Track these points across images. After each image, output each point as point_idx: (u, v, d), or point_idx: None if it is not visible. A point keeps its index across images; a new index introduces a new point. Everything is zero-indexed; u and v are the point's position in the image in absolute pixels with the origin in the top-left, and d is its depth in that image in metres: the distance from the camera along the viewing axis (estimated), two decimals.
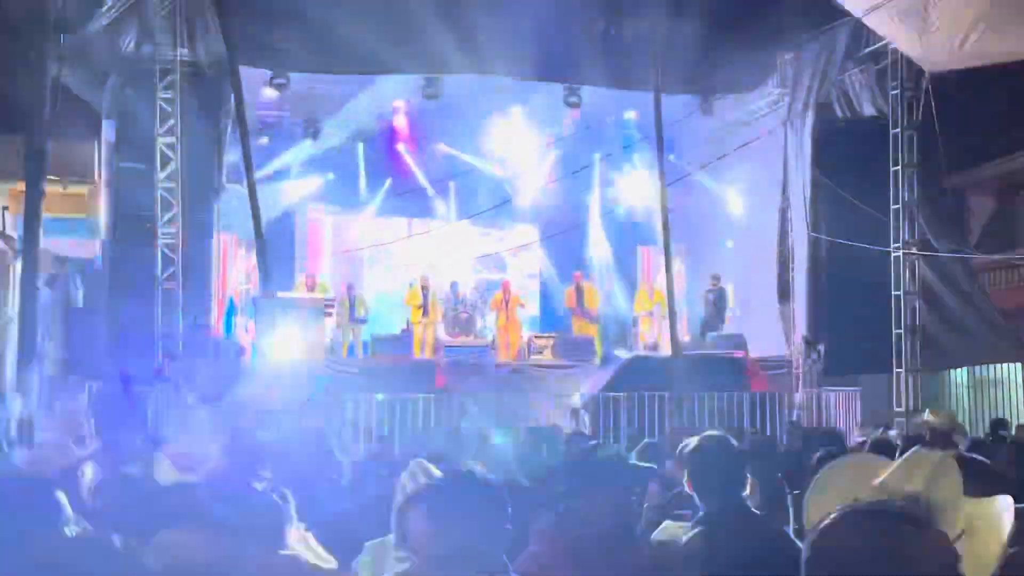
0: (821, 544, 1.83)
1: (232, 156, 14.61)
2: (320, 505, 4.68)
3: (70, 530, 2.99)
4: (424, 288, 18.22)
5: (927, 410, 11.56)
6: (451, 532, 2.73)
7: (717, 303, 18.50)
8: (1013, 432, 11.28)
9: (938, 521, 1.94)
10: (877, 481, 2.23)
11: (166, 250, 14.08)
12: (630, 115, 18.82)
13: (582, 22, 14.64)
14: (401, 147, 19.87)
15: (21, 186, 11.63)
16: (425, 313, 18.00)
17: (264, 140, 18.61)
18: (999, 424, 12.18)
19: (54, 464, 5.76)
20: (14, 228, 12.75)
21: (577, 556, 3.27)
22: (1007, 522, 2.25)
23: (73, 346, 14.82)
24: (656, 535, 3.80)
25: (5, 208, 13.09)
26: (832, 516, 1.86)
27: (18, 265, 11.87)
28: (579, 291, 18.64)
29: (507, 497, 2.83)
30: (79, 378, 13.84)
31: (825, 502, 2.31)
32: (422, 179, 20.28)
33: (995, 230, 18.27)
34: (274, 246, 15.35)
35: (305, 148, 19.36)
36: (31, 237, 10.91)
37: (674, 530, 3.75)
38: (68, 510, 3.03)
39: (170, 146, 14.05)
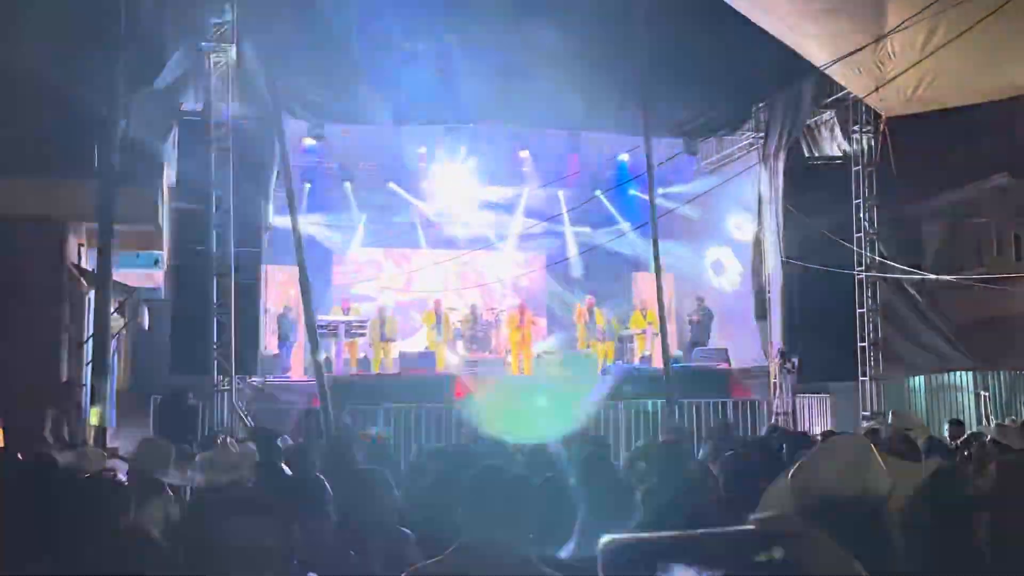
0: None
1: (278, 199, 14.74)
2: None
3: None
4: (437, 311, 18.30)
5: (891, 412, 11.55)
6: None
7: (702, 321, 18.50)
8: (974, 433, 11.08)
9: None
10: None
11: (219, 279, 14.15)
12: (623, 157, 18.88)
13: (587, 78, 14.72)
14: (425, 186, 19.93)
15: (95, 225, 11.71)
16: (439, 334, 18.07)
17: (307, 185, 18.76)
18: (955, 424, 12.12)
19: (92, 466, 5.81)
20: (89, 262, 12.83)
21: None
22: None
23: (140, 365, 14.91)
24: None
25: (82, 245, 13.18)
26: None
27: (93, 294, 11.94)
28: (590, 312, 18.69)
29: None
30: (145, 393, 13.91)
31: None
32: (445, 214, 20.33)
33: (946, 254, 18.24)
34: (314, 275, 15.42)
35: (341, 189, 19.48)
36: (104, 269, 10.97)
37: None
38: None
39: (223, 189, 14.15)
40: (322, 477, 4.38)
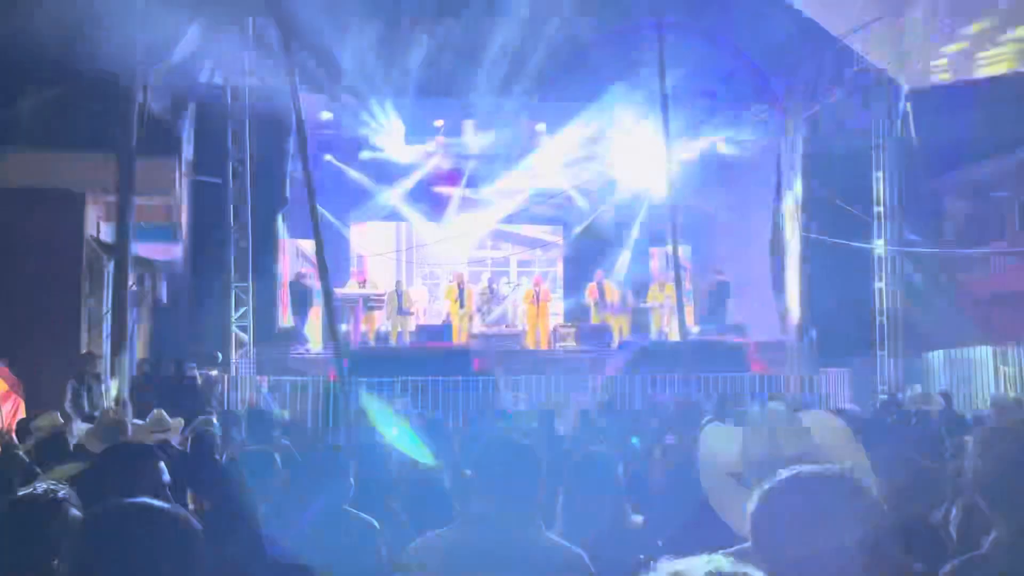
0: (767, 506, 1.74)
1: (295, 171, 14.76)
2: None
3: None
4: (460, 284, 18.28)
5: (909, 389, 11.52)
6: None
7: (720, 295, 18.42)
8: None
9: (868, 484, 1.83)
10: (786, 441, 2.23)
11: (237, 253, 14.23)
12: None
13: (606, 50, 14.60)
14: (439, 159, 19.87)
15: (113, 199, 11.78)
16: (462, 306, 18.06)
17: (328, 157, 18.72)
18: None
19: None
20: (108, 235, 12.92)
21: None
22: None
23: (159, 337, 15.03)
24: None
25: (100, 218, 13.27)
26: (778, 480, 1.77)
27: (111, 267, 12.04)
28: (600, 287, 18.64)
29: None
30: (165, 363, 14.03)
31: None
32: (460, 188, 20.28)
33: (966, 228, 18.09)
34: (330, 248, 15.46)
35: (356, 162, 19.44)
36: (122, 242, 11.05)
37: None
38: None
39: (241, 163, 14.20)
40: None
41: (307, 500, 3.55)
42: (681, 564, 1.38)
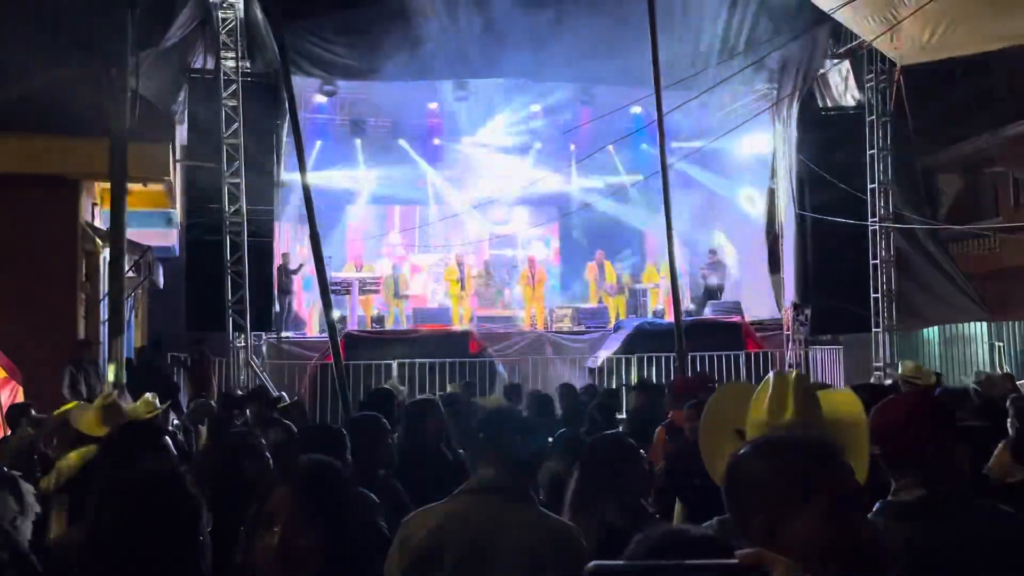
0: (736, 474, 1.70)
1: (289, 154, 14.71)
2: None
3: None
4: (460, 265, 18.28)
5: (901, 363, 11.54)
6: None
7: (715, 274, 18.44)
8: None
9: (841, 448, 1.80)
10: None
11: (233, 237, 14.22)
12: (636, 110, 18.68)
13: (595, 28, 14.54)
14: (437, 142, 19.87)
15: (107, 184, 11.75)
16: (462, 287, 18.06)
17: (318, 143, 18.65)
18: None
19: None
20: (102, 221, 12.90)
21: None
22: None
23: (156, 322, 15.03)
24: None
25: (95, 204, 13.25)
26: (746, 448, 1.74)
27: (107, 253, 12.02)
28: (600, 268, 18.67)
29: None
30: (162, 351, 14.06)
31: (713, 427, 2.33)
32: (454, 170, 20.26)
33: (961, 204, 18.12)
34: (326, 232, 15.43)
35: (352, 146, 19.41)
36: (117, 228, 11.00)
37: None
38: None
39: (235, 147, 14.17)
40: None
41: None
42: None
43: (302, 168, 9.32)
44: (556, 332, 16.50)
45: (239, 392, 11.85)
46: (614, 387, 13.23)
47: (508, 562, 2.57)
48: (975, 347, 17.40)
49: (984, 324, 17.08)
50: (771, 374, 2.32)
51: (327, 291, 8.87)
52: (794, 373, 2.33)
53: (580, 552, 2.60)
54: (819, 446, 1.73)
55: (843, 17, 12.53)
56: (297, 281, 17.25)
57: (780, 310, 16.60)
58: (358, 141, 19.38)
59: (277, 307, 15.51)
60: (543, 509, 2.82)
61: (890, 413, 2.47)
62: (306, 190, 9.33)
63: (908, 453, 2.38)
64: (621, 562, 1.30)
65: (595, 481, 3.24)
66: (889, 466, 2.41)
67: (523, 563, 2.57)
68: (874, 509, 2.30)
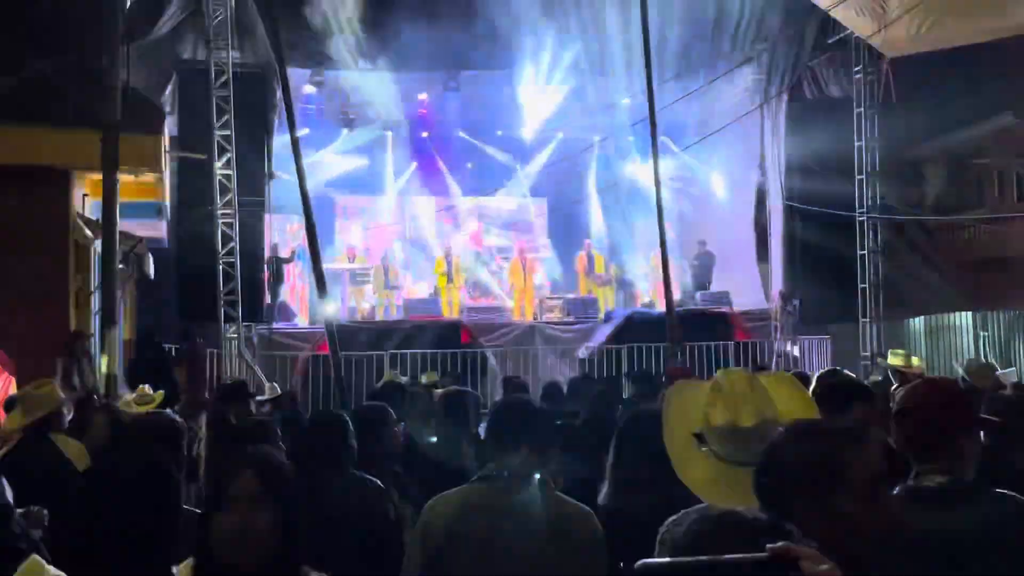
0: (775, 461, 1.74)
1: (280, 145, 14.69)
2: None
3: None
4: (448, 257, 18.29)
5: (888, 352, 11.62)
6: None
7: (705, 265, 18.52)
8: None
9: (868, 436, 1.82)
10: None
11: (224, 229, 14.19)
12: (625, 101, 18.71)
13: (584, 22, 14.59)
14: (425, 134, 19.87)
15: (98, 176, 11.69)
16: (450, 280, 18.07)
17: (305, 131, 18.53)
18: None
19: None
20: (93, 212, 12.84)
21: None
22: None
23: (147, 313, 14.98)
24: None
25: (85, 195, 13.18)
26: (781, 434, 1.80)
27: (98, 244, 11.97)
28: (589, 258, 18.72)
29: None
30: (155, 340, 14.00)
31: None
32: (442, 162, 20.27)
33: (947, 195, 18.24)
34: (317, 223, 15.38)
35: (341, 137, 19.37)
36: (108, 219, 10.96)
37: None
38: None
39: (226, 138, 14.13)
40: None
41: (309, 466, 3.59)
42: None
43: (296, 158, 9.32)
44: (546, 322, 16.54)
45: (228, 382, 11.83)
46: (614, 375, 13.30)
47: (527, 546, 2.62)
48: (960, 337, 17.55)
49: (969, 314, 17.22)
50: (718, 374, 2.36)
51: (323, 284, 8.87)
52: (741, 373, 2.37)
53: (597, 535, 2.64)
54: (850, 431, 1.79)
55: (833, 9, 12.59)
56: (289, 270, 17.19)
57: (768, 300, 16.68)
58: (345, 132, 19.35)
59: (268, 298, 15.49)
60: (560, 494, 2.86)
61: (919, 401, 2.53)
62: (301, 180, 9.35)
63: (934, 440, 2.44)
64: (667, 560, 1.34)
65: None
66: (912, 452, 2.46)
67: (541, 547, 2.61)
68: (894, 493, 2.35)
